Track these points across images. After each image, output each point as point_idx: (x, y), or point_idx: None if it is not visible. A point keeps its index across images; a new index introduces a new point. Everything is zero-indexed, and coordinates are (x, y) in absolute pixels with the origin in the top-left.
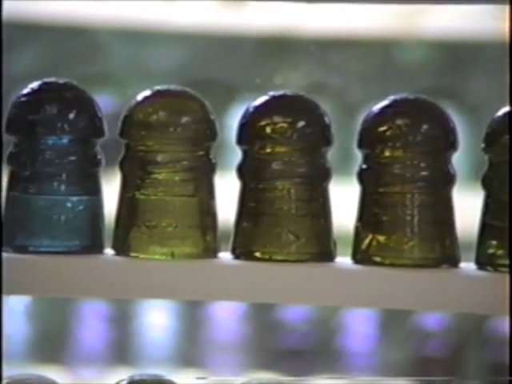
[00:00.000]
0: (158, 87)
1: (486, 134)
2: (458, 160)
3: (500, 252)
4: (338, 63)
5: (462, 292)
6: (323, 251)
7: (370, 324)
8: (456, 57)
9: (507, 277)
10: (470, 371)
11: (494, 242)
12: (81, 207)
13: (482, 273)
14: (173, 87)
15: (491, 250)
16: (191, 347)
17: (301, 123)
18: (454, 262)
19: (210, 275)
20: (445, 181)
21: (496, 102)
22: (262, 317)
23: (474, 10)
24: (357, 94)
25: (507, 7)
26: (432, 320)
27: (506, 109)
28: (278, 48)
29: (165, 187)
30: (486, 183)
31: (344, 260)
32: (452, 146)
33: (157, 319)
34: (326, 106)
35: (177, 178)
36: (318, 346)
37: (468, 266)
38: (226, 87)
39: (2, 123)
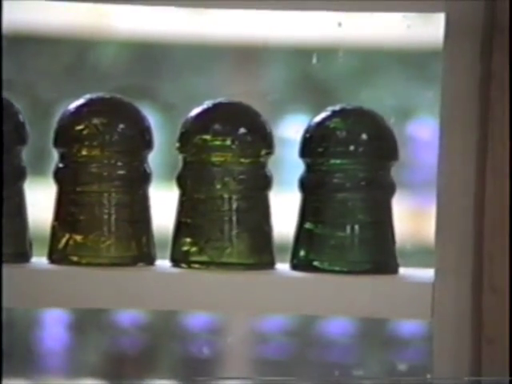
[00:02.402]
0: None
1: (180, 133)
2: (155, 159)
3: (193, 249)
4: (29, 60)
5: (157, 289)
6: (19, 252)
7: (63, 323)
8: (149, 57)
9: (202, 273)
10: (164, 368)
11: (188, 240)
12: None
13: (176, 270)
14: None
15: (185, 248)
16: None
17: None
18: (150, 260)
19: None
20: (141, 180)
21: (189, 102)
22: None
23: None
24: (50, 92)
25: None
26: (126, 317)
27: (198, 109)
28: None
29: None
30: (181, 182)
31: (41, 260)
32: (148, 145)
33: None
34: (18, 104)
35: None
36: (9, 347)
37: (163, 263)
38: None
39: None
